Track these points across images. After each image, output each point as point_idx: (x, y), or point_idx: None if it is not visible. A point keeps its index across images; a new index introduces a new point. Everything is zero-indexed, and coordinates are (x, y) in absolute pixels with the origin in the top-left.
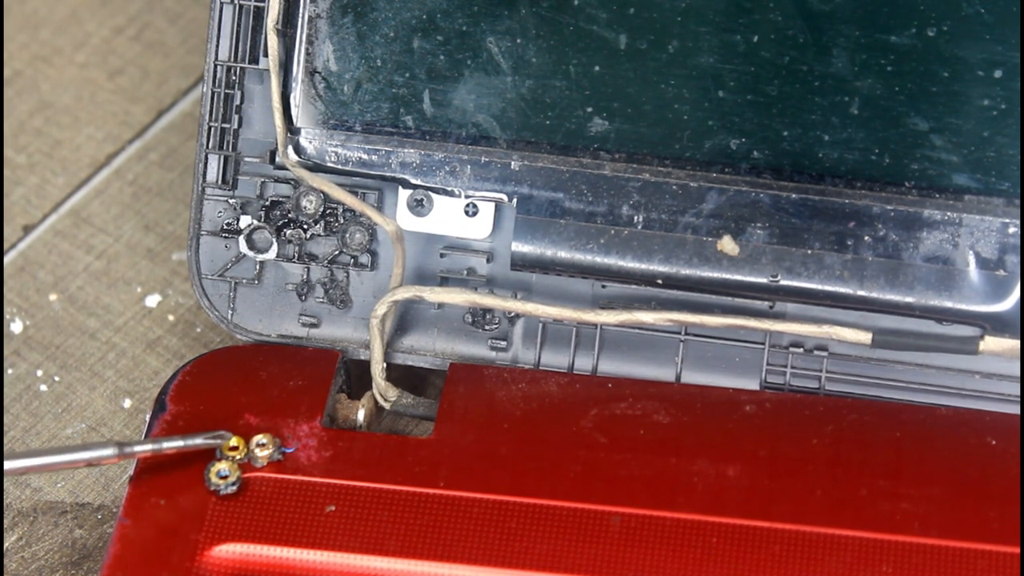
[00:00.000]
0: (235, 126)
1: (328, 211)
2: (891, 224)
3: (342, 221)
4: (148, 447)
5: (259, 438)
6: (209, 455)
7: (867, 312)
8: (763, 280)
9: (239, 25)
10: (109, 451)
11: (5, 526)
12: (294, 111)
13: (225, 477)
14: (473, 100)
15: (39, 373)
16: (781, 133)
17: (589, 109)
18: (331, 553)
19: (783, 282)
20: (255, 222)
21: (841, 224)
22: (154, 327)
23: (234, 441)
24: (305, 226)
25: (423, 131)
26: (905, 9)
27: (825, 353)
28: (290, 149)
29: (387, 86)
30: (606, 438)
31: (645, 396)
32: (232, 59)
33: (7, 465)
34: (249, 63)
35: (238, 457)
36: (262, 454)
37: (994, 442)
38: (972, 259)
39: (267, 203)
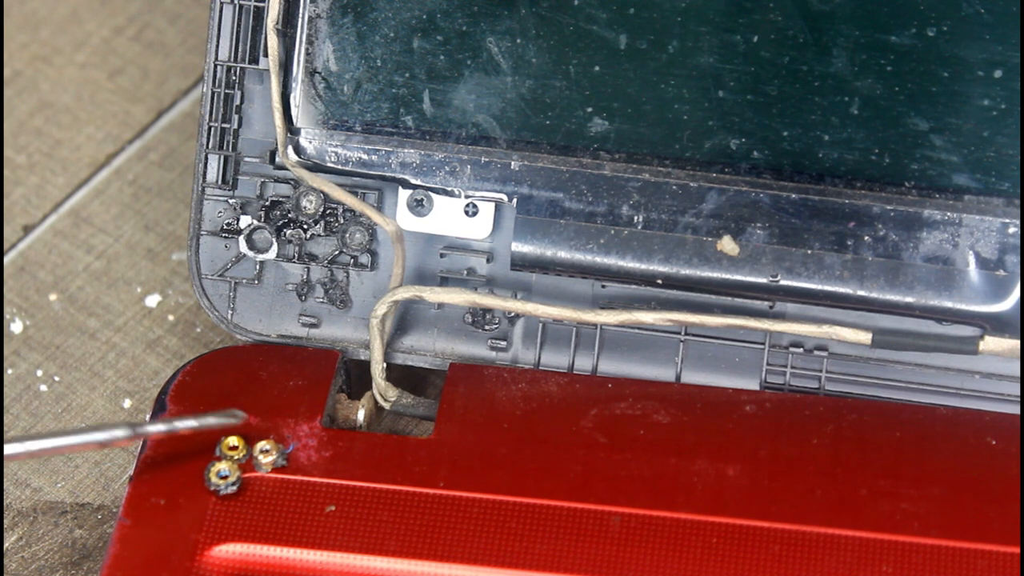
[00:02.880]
0: (235, 126)
1: (328, 211)
2: (891, 224)
3: (342, 221)
4: (161, 427)
5: (262, 444)
6: (209, 455)
7: (867, 312)
8: (763, 280)
9: (239, 25)
10: (121, 432)
11: (5, 526)
12: (294, 111)
13: (225, 477)
14: (473, 100)
15: (39, 373)
16: (781, 133)
17: (589, 109)
18: (331, 553)
19: (783, 282)
20: (255, 222)
21: (841, 224)
22: (154, 327)
23: (234, 441)
24: (305, 226)
25: (423, 131)
26: (905, 9)
27: (825, 353)
28: (290, 149)
29: (387, 86)
30: (606, 438)
31: (645, 396)
32: (232, 59)
33: (18, 448)
34: (249, 63)
35: (237, 457)
36: (266, 460)
37: (994, 442)
38: (972, 259)
39: (267, 203)
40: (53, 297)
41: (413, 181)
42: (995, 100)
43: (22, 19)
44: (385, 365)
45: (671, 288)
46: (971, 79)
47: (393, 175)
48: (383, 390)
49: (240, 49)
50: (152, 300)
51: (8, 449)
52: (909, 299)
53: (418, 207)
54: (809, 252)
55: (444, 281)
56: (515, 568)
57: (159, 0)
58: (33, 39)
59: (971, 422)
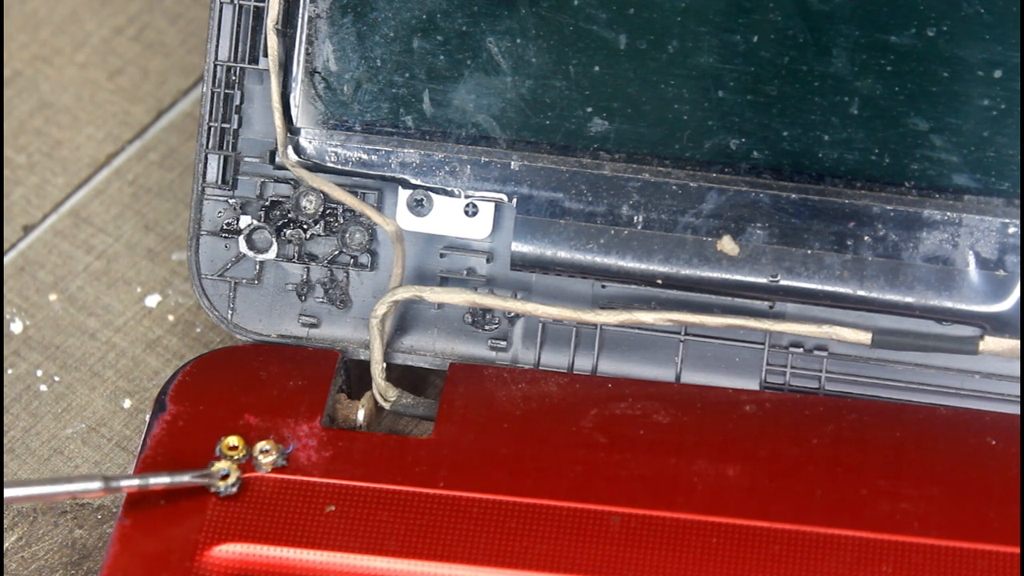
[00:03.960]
0: (235, 126)
1: (328, 211)
2: (891, 224)
3: (342, 221)
4: (135, 482)
5: (262, 444)
6: (209, 455)
7: (867, 312)
8: (763, 280)
9: (239, 25)
10: (95, 485)
11: (5, 526)
12: (294, 111)
13: (226, 477)
14: (473, 100)
15: (39, 373)
16: (781, 133)
17: (589, 109)
18: (331, 553)
19: (783, 282)
20: (255, 222)
21: (841, 224)
22: (154, 327)
23: (234, 441)
24: (305, 226)
25: (423, 131)
26: (905, 9)
27: (825, 353)
28: (290, 149)
29: (387, 86)
30: (606, 438)
31: (645, 396)
32: (232, 59)
33: None
34: (249, 63)
35: (237, 457)
36: (266, 460)
37: (994, 442)
38: (972, 259)
39: (267, 203)
40: (53, 297)
41: (413, 181)
42: (995, 100)
43: (22, 19)
44: (385, 365)
45: (671, 288)
46: (971, 79)
47: (393, 175)
48: (383, 390)
49: (240, 49)
50: (152, 300)
51: None
52: (909, 299)
53: (418, 207)
54: (809, 252)
55: (444, 281)
56: (515, 568)
57: (159, 0)
58: (33, 39)
59: (971, 422)
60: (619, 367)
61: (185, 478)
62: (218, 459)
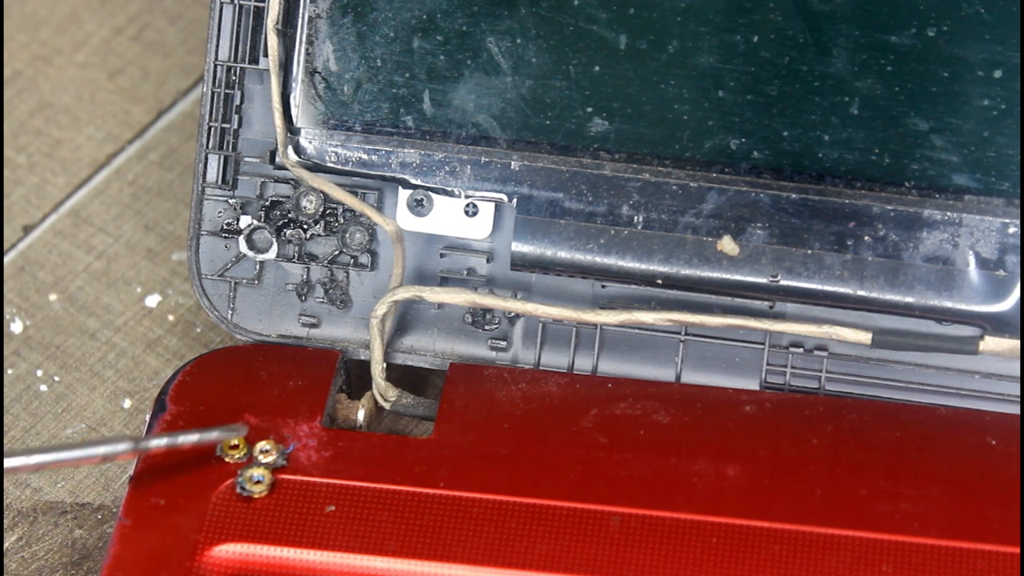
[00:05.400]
0: (235, 126)
1: (328, 211)
2: (891, 224)
3: (342, 221)
4: (164, 441)
5: (262, 444)
6: (209, 454)
7: (867, 312)
8: (763, 280)
9: (239, 25)
10: (124, 446)
11: (5, 526)
12: (294, 111)
13: (260, 482)
14: (473, 100)
15: (39, 373)
16: (781, 133)
17: (589, 109)
18: (331, 553)
19: (783, 282)
20: (255, 222)
21: (841, 224)
22: (154, 327)
23: (234, 440)
24: (305, 226)
25: (423, 131)
26: (905, 9)
27: (825, 353)
28: (290, 149)
29: (387, 86)
30: (606, 438)
31: (645, 396)
32: (232, 59)
33: (18, 461)
34: (249, 63)
35: (237, 456)
36: (266, 460)
37: (994, 442)
38: (972, 259)
39: (267, 203)
40: (53, 297)
41: (413, 181)
42: (995, 100)
43: (22, 19)
44: (385, 365)
45: (671, 288)
46: (971, 79)
47: (393, 175)
48: (383, 390)
49: (240, 49)
50: (152, 300)
51: (8, 463)
52: (909, 299)
53: (418, 207)
54: (809, 252)
55: (444, 281)
56: (515, 568)
57: (159, 0)
58: (33, 39)
59: (971, 422)
60: (619, 367)
61: (214, 435)
62: (254, 466)
